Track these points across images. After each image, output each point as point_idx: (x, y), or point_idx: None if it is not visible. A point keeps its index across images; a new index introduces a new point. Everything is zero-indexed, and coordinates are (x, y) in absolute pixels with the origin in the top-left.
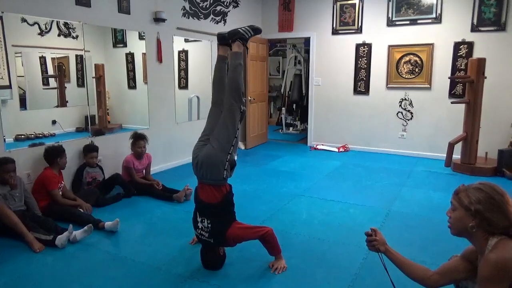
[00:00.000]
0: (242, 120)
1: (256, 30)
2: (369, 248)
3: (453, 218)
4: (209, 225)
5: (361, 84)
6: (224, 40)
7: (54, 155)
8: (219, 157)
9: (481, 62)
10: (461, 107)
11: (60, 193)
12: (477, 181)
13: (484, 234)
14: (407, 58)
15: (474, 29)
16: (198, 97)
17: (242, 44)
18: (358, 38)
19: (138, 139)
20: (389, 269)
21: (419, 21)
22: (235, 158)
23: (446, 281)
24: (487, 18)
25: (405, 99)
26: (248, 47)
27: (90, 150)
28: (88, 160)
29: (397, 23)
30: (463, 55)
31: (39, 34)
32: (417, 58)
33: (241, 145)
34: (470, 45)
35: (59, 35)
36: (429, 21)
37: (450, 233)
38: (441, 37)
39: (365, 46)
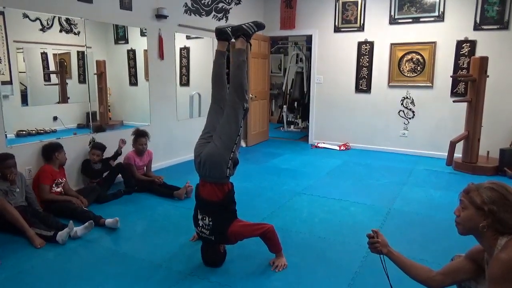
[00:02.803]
0: (245, 118)
1: (260, 26)
2: (371, 250)
3: (462, 217)
4: (210, 223)
5: (363, 82)
6: (223, 34)
7: (51, 150)
8: (222, 156)
9: (484, 60)
10: (463, 105)
11: (60, 189)
12: (481, 181)
13: (494, 233)
14: (409, 57)
15: (476, 27)
16: (199, 94)
17: (246, 40)
18: (360, 36)
19: (140, 136)
20: (391, 270)
21: (421, 19)
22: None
23: (450, 281)
24: (490, 16)
25: (407, 97)
26: (251, 44)
27: (93, 147)
28: (90, 156)
29: (400, 21)
30: (466, 53)
31: (40, 30)
32: (419, 57)
33: (242, 143)
34: (472, 44)
35: (60, 31)
36: (432, 19)
37: (458, 232)
38: (443, 35)
39: (367, 44)
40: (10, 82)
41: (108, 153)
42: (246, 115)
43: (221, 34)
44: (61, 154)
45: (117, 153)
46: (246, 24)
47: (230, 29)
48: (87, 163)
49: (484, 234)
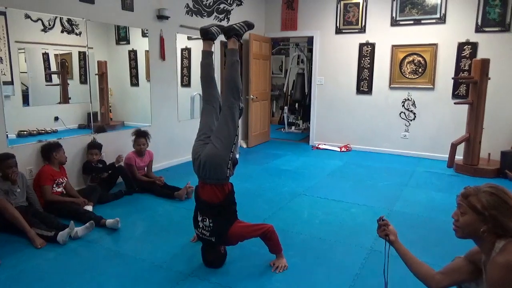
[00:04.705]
0: (240, 117)
1: (250, 26)
2: (379, 234)
3: (462, 222)
4: (211, 224)
5: (364, 84)
6: (208, 34)
7: (49, 150)
8: (222, 157)
9: (485, 63)
10: (464, 107)
11: (61, 190)
12: (481, 183)
13: (492, 237)
14: (410, 58)
15: (478, 29)
16: (200, 95)
17: (237, 40)
18: (362, 38)
19: (139, 136)
20: (395, 268)
21: (423, 21)
22: (237, 156)
23: (449, 281)
24: (491, 18)
25: (408, 99)
26: (242, 43)
27: (90, 146)
28: (88, 156)
29: (401, 23)
30: (467, 55)
31: (42, 30)
32: (420, 58)
33: (243, 144)
34: (474, 46)
35: (62, 32)
36: (433, 21)
37: (456, 236)
38: (445, 37)
39: (369, 46)
40: (11, 83)
41: (108, 156)
42: (241, 115)
43: (206, 34)
44: (59, 153)
45: (112, 165)
46: (237, 24)
47: (216, 29)
48: (87, 164)
49: (483, 238)
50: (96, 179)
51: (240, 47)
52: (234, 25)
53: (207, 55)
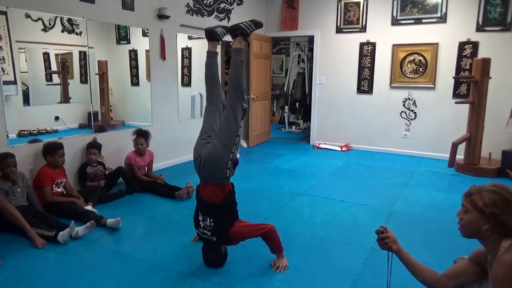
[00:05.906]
0: (244, 118)
1: (258, 25)
2: (381, 246)
3: (465, 220)
4: (212, 224)
5: (365, 83)
6: (212, 35)
7: (45, 152)
8: (222, 156)
9: (486, 62)
10: (465, 107)
11: (61, 189)
12: (482, 183)
13: (497, 236)
14: (411, 58)
15: (479, 29)
16: (201, 95)
17: (244, 39)
18: (362, 37)
19: (138, 136)
20: (394, 271)
21: (424, 20)
22: (238, 156)
23: (454, 284)
24: (492, 18)
25: (409, 98)
26: (249, 42)
27: (89, 146)
28: (87, 156)
29: (402, 22)
30: (468, 55)
31: (42, 30)
32: (421, 58)
33: (243, 143)
34: (475, 45)
35: (62, 31)
36: (434, 20)
37: (461, 235)
38: (445, 36)
39: (369, 45)
40: (14, 82)
41: (108, 156)
42: (245, 115)
43: (211, 34)
44: (54, 158)
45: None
46: (244, 23)
47: (221, 30)
48: (83, 167)
49: (487, 237)
50: (90, 182)
51: (247, 46)
52: (240, 24)
53: (211, 55)
